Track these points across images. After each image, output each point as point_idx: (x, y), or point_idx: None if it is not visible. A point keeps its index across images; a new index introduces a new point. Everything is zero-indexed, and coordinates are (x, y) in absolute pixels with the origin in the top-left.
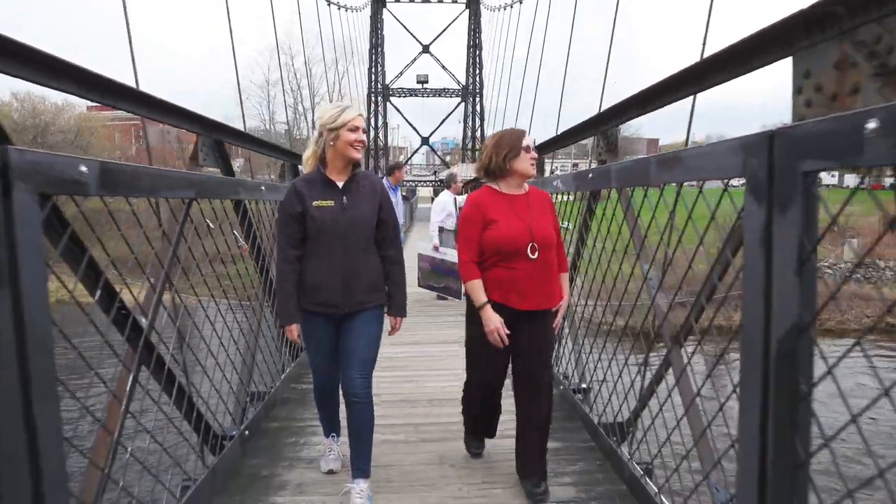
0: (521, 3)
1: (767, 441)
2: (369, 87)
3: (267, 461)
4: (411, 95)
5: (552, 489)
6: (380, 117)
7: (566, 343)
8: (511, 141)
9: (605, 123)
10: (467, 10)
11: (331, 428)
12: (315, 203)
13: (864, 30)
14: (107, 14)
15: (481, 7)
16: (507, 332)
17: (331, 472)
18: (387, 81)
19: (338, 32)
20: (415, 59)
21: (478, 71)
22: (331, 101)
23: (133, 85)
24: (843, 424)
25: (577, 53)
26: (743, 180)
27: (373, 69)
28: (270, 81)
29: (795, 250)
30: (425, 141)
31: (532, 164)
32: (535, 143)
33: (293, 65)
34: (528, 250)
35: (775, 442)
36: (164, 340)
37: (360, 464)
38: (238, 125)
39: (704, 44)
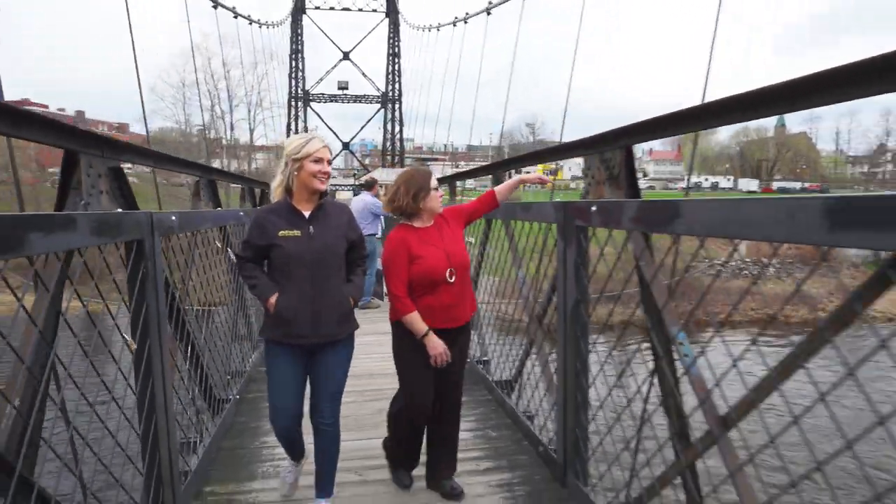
0: (438, 30)
1: (567, 370)
2: (290, 93)
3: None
4: (332, 101)
5: (462, 425)
6: (300, 122)
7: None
8: (420, 182)
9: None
10: (387, 19)
11: (297, 457)
12: (281, 233)
13: (608, 153)
14: None
15: (401, 21)
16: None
17: (290, 490)
18: (307, 87)
19: (256, 37)
20: (335, 66)
21: (397, 78)
22: (253, 112)
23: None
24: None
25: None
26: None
27: (293, 74)
28: (186, 83)
29: (574, 262)
30: (346, 146)
31: (440, 202)
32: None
33: (210, 66)
34: (448, 275)
35: (565, 368)
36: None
37: (325, 484)
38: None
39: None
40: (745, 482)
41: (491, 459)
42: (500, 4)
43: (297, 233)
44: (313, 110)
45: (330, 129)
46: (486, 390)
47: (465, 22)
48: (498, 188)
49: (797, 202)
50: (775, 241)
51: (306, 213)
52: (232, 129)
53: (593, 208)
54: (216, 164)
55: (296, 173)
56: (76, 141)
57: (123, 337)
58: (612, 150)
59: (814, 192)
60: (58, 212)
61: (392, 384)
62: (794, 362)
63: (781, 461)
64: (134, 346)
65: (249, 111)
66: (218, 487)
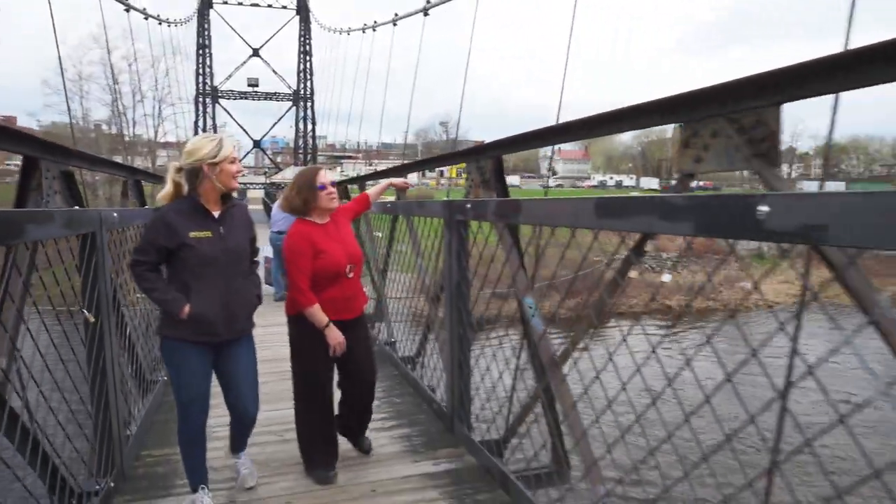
0: (348, 33)
1: (453, 337)
2: (197, 89)
3: None
4: (242, 98)
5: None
6: (209, 119)
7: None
8: (307, 180)
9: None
10: (298, 17)
11: (200, 477)
12: (192, 234)
13: (482, 162)
14: None
15: (312, 20)
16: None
17: None
18: (216, 83)
19: (160, 31)
20: (244, 62)
21: (309, 76)
22: (158, 107)
23: None
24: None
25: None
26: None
27: (200, 70)
28: (83, 75)
29: (456, 249)
30: (256, 144)
31: (331, 199)
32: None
33: (110, 59)
34: (347, 271)
35: (451, 336)
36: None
37: (242, 444)
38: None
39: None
40: (574, 414)
41: (395, 419)
42: (405, 17)
43: (208, 234)
44: (222, 107)
45: (240, 126)
46: (393, 367)
47: (374, 30)
48: (370, 191)
49: (580, 201)
50: (570, 227)
51: (216, 214)
52: (135, 125)
53: (468, 205)
54: (118, 160)
55: (213, 176)
56: (37, 147)
57: (83, 311)
58: (485, 159)
59: (708, 189)
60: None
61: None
62: (587, 326)
63: (605, 393)
64: (92, 319)
65: (153, 107)
66: (154, 451)
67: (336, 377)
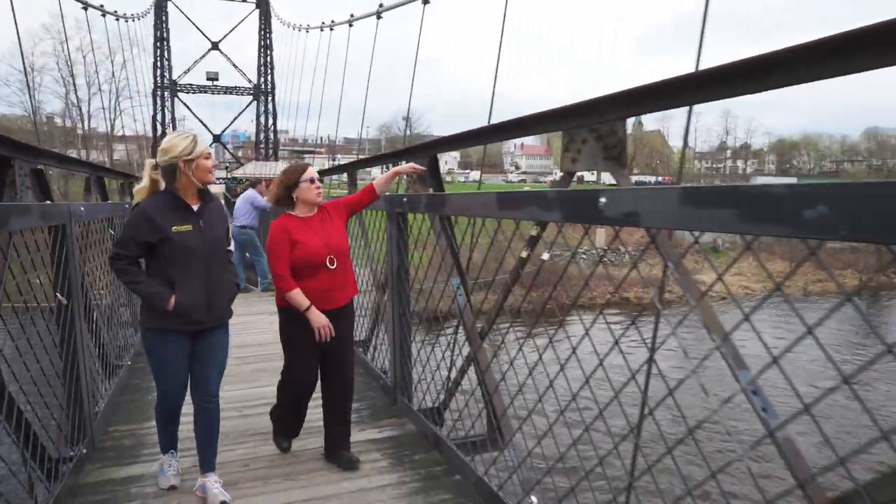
0: (307, 31)
1: (395, 318)
2: (155, 82)
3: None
4: (201, 92)
5: None
6: (167, 112)
7: None
8: (295, 177)
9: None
10: (258, 10)
11: (171, 444)
12: (174, 228)
13: (420, 160)
14: None
15: (273, 14)
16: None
17: (172, 487)
18: (174, 77)
19: (116, 23)
20: (204, 56)
21: (270, 70)
22: (114, 100)
23: None
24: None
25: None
26: None
27: (158, 63)
28: (35, 67)
29: (396, 238)
30: (217, 138)
31: (317, 194)
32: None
33: (64, 49)
34: (328, 262)
35: (393, 317)
36: None
37: (210, 459)
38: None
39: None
40: (491, 378)
41: None
42: (361, 18)
43: (189, 227)
44: (181, 101)
45: (200, 120)
46: None
47: (332, 29)
48: (376, 182)
49: (487, 195)
50: (481, 217)
51: (195, 208)
52: (90, 118)
53: (405, 199)
54: (73, 154)
55: (190, 172)
56: (11, 148)
57: (56, 295)
58: (422, 157)
59: (667, 184)
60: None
61: (267, 350)
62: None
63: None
64: (65, 301)
65: (110, 100)
66: (121, 427)
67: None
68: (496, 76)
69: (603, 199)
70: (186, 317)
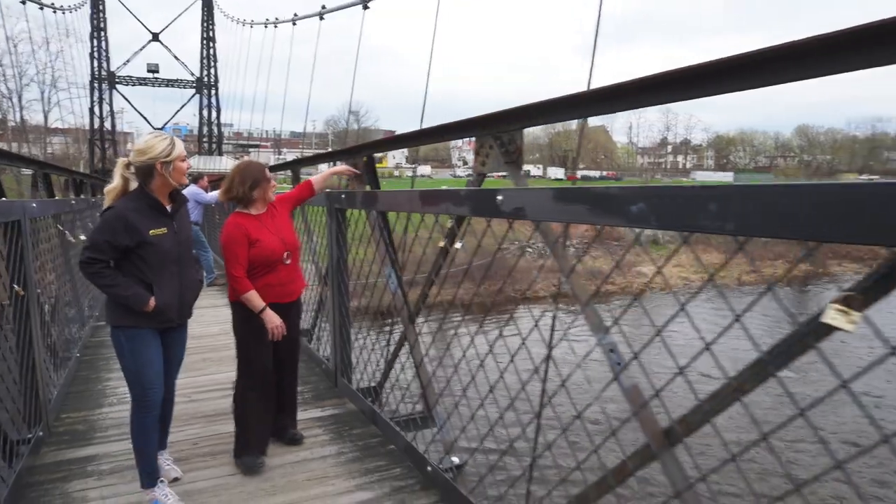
0: (251, 26)
1: (335, 305)
2: (92, 73)
3: None
4: (141, 84)
5: None
6: (105, 105)
7: None
8: (254, 174)
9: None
10: (200, 1)
11: (155, 469)
12: (152, 232)
13: (357, 159)
14: None
15: (216, 7)
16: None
17: None
18: (113, 68)
19: (50, 14)
20: (143, 47)
21: (213, 63)
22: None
23: None
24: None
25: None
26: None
27: (94, 54)
28: None
29: (335, 232)
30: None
31: (273, 191)
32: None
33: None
34: (284, 257)
35: (333, 304)
36: None
37: (163, 439)
38: None
39: None
40: (423, 367)
41: None
42: (304, 18)
43: (164, 230)
44: (119, 93)
45: (140, 113)
46: None
47: (276, 26)
48: (314, 178)
49: (411, 192)
50: (407, 212)
51: (169, 209)
52: (22, 109)
53: (342, 196)
54: (3, 146)
55: (166, 174)
56: None
57: (13, 286)
58: (359, 157)
59: (611, 179)
60: None
61: (214, 342)
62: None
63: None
64: (22, 293)
65: (42, 91)
66: (73, 414)
67: None
68: (428, 79)
69: (500, 198)
70: (161, 317)
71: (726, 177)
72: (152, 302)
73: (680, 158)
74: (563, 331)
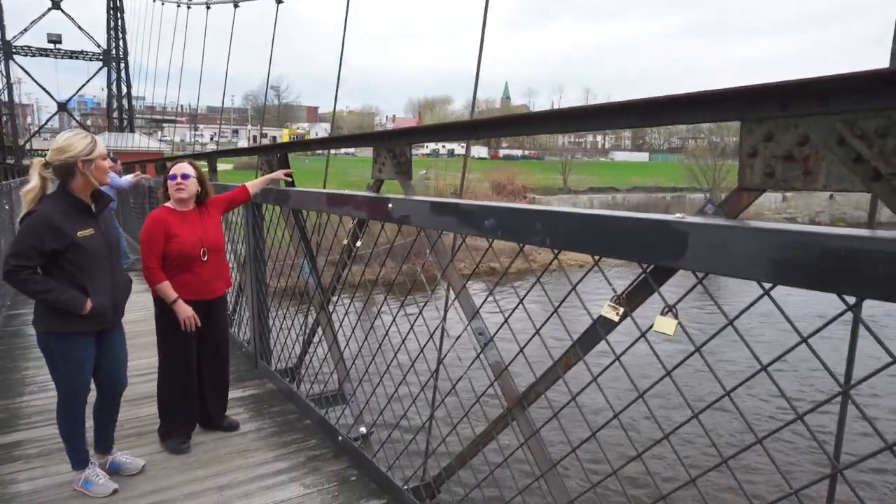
0: (163, 4)
1: (253, 291)
2: None
3: None
4: (41, 55)
5: None
6: (2, 78)
7: None
8: (165, 174)
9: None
10: None
11: (85, 455)
12: (80, 234)
13: (272, 156)
14: None
15: None
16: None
17: (115, 491)
18: (8, 38)
19: None
20: (43, 15)
21: (121, 35)
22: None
23: None
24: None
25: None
26: None
27: None
28: None
29: (252, 224)
30: (62, 106)
31: (178, 190)
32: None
33: None
34: (201, 255)
35: (252, 290)
36: None
37: (113, 437)
38: None
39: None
40: (335, 348)
41: None
42: (218, 4)
43: (91, 231)
44: (17, 63)
45: (40, 86)
46: None
47: (189, 7)
48: (250, 184)
49: (319, 193)
50: (317, 211)
51: (93, 208)
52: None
53: (257, 192)
54: None
55: (88, 173)
56: None
57: None
58: (273, 155)
59: (532, 158)
60: None
61: (135, 328)
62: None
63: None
64: None
65: None
66: None
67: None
68: (340, 63)
69: (390, 205)
70: (98, 318)
71: (642, 157)
72: (89, 304)
73: (599, 139)
74: (443, 317)
